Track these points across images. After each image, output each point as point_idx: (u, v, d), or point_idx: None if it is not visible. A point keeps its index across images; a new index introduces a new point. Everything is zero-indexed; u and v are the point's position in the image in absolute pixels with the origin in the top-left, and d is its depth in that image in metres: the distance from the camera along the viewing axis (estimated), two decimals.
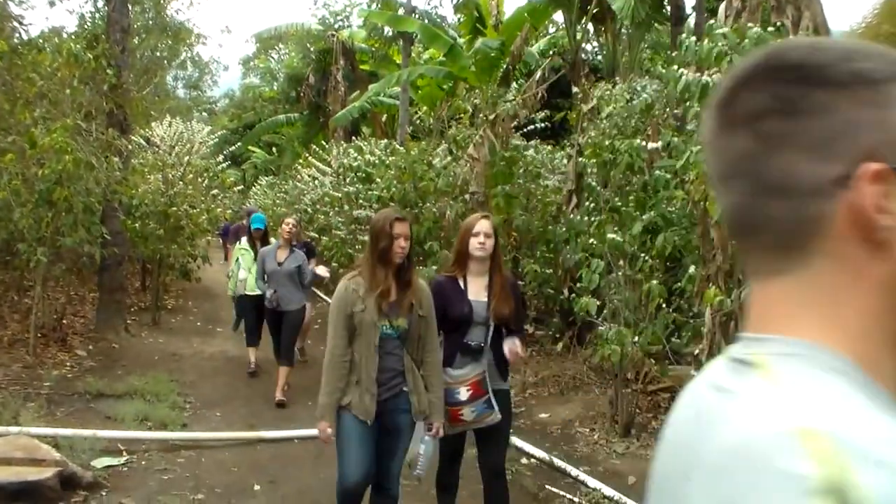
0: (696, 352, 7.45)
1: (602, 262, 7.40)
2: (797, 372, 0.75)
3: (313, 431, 7.07)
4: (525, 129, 13.03)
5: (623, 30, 12.87)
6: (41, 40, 11.37)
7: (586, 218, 8.67)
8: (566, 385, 9.43)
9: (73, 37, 12.64)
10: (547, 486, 6.32)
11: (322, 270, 10.48)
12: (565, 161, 11.72)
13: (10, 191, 9.53)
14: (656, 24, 17.65)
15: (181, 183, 15.79)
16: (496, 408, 4.71)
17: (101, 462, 6.39)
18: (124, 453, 6.74)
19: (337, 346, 4.43)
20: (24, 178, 9.73)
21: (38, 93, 10.08)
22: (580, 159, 9.75)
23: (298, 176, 22.88)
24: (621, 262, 7.63)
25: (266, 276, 9.30)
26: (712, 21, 6.70)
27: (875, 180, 0.75)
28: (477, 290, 4.83)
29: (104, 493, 5.81)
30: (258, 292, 9.67)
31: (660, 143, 8.09)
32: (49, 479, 5.50)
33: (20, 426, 6.76)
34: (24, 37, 11.24)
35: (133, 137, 14.85)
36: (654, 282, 7.07)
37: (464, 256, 4.84)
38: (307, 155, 22.46)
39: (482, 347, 4.74)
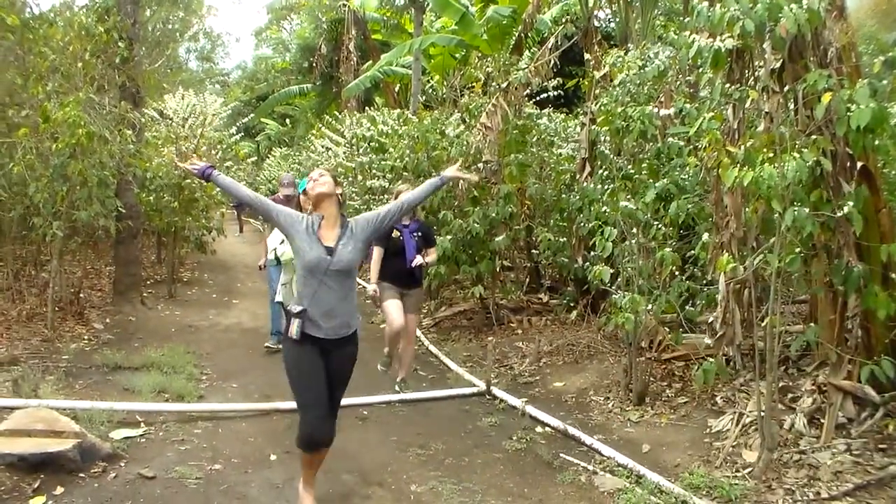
0: (710, 319, 7.45)
1: (615, 230, 7.38)
2: None
3: None
4: (538, 98, 12.97)
5: None
6: (52, 14, 11.29)
7: (599, 186, 8.65)
8: (580, 354, 9.44)
9: (84, 10, 12.57)
10: (561, 455, 6.35)
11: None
12: (578, 129, 11.68)
13: (25, 165, 9.57)
14: None
15: (195, 155, 15.78)
16: None
17: (120, 434, 6.46)
18: (142, 425, 6.80)
19: None
20: (39, 153, 9.76)
21: (51, 67, 10.07)
22: (593, 127, 9.70)
23: (312, 147, 22.87)
24: (635, 230, 7.61)
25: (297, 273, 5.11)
26: None
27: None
28: None
29: (123, 464, 5.87)
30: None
31: (672, 110, 8.05)
32: (69, 451, 5.56)
33: (40, 399, 6.83)
34: (36, 11, 11.19)
35: (146, 110, 14.86)
36: (668, 249, 7.06)
37: None
38: (320, 126, 22.43)
39: None
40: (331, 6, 30.13)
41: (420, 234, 8.23)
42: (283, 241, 8.04)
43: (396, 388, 8.19)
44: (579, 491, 5.73)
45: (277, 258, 8.78)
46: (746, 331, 7.16)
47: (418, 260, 7.98)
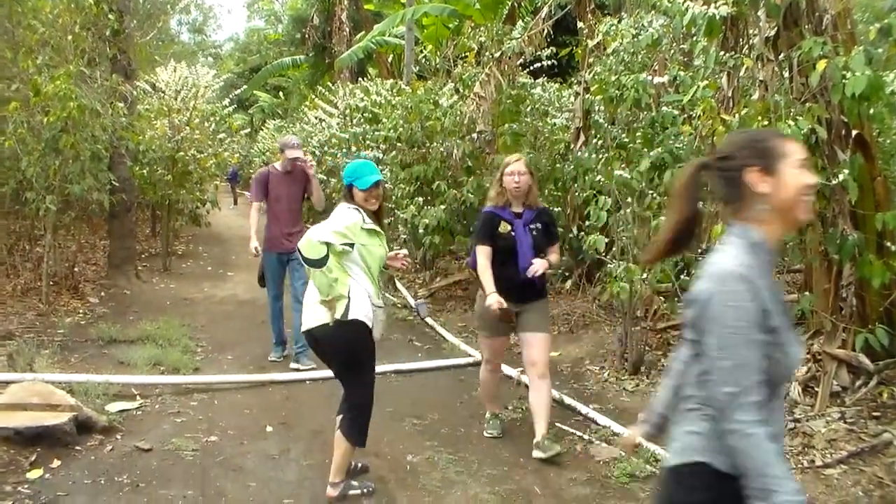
0: None
1: (610, 200, 7.37)
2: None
3: (323, 373, 7.13)
4: (531, 67, 12.91)
5: None
6: None
7: (594, 155, 8.61)
8: (576, 323, 9.46)
9: None
10: (557, 424, 6.35)
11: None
12: (572, 98, 11.63)
13: (17, 139, 9.53)
14: None
15: (187, 128, 15.73)
16: None
17: (116, 406, 6.46)
18: (138, 397, 6.81)
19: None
20: (30, 127, 9.70)
21: (40, 40, 9.98)
22: (587, 96, 9.65)
23: (306, 118, 22.76)
24: (629, 199, 7.60)
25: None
26: None
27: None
28: None
29: (119, 437, 5.89)
30: None
31: (667, 79, 8.01)
32: (65, 424, 5.58)
33: (35, 373, 6.83)
34: None
35: (138, 83, 14.76)
36: (663, 218, 7.04)
37: None
38: (314, 97, 22.32)
39: None
40: None
41: (539, 226, 5.85)
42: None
43: (535, 452, 5.66)
44: (575, 460, 5.76)
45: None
46: None
47: (535, 267, 5.61)
